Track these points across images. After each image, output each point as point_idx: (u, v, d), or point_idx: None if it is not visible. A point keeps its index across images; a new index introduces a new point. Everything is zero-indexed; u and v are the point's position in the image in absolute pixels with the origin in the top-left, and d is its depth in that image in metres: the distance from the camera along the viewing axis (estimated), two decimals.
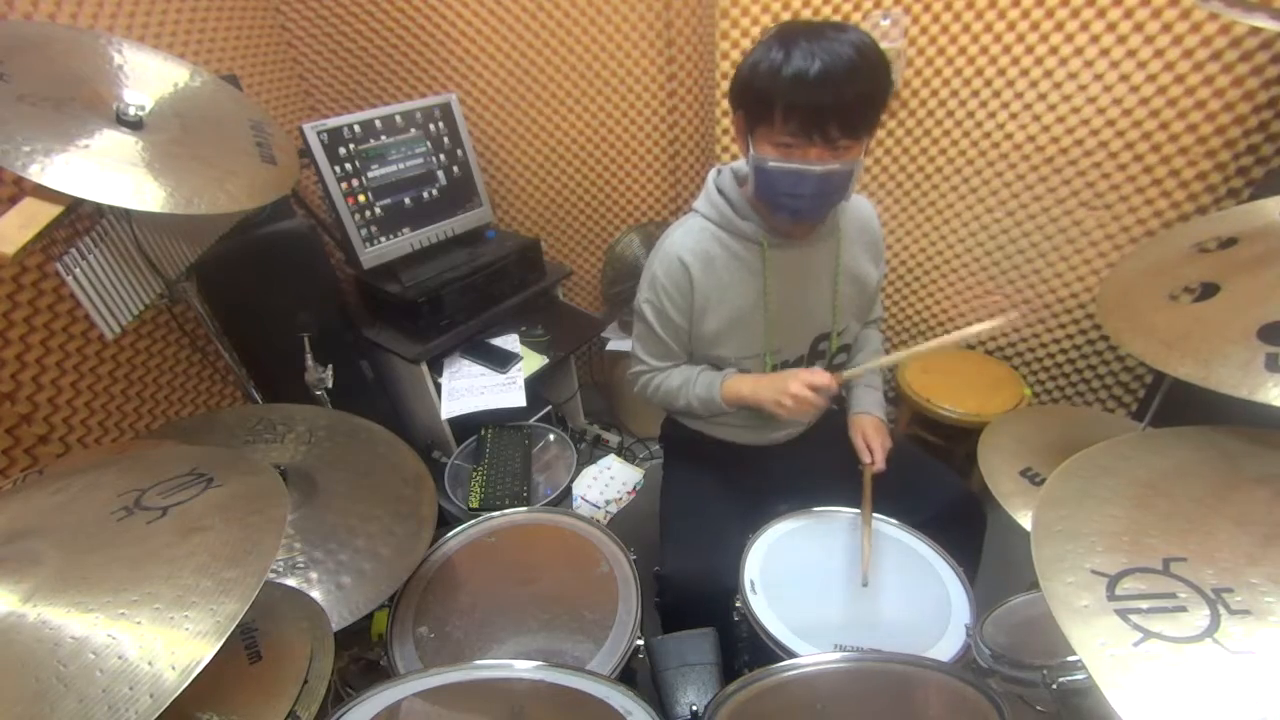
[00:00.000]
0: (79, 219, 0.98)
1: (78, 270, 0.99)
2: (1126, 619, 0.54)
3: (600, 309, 2.29)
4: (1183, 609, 0.54)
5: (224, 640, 0.55)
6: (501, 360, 1.76)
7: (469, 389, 1.70)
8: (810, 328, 1.18)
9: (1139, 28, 1.29)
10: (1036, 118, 1.45)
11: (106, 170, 0.90)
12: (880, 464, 1.14)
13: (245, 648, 0.76)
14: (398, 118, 1.66)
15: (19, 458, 1.22)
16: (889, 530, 1.12)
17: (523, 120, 1.97)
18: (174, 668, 0.53)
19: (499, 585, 1.09)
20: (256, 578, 0.61)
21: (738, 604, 1.01)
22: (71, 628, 0.55)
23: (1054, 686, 0.74)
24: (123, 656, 0.53)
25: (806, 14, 1.51)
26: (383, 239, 1.67)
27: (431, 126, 1.73)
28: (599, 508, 1.64)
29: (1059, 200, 1.52)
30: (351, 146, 1.59)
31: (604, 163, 2.01)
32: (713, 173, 1.14)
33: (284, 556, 0.97)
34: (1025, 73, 1.42)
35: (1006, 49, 1.41)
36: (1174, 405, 1.10)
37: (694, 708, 0.88)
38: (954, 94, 1.51)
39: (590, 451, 2.12)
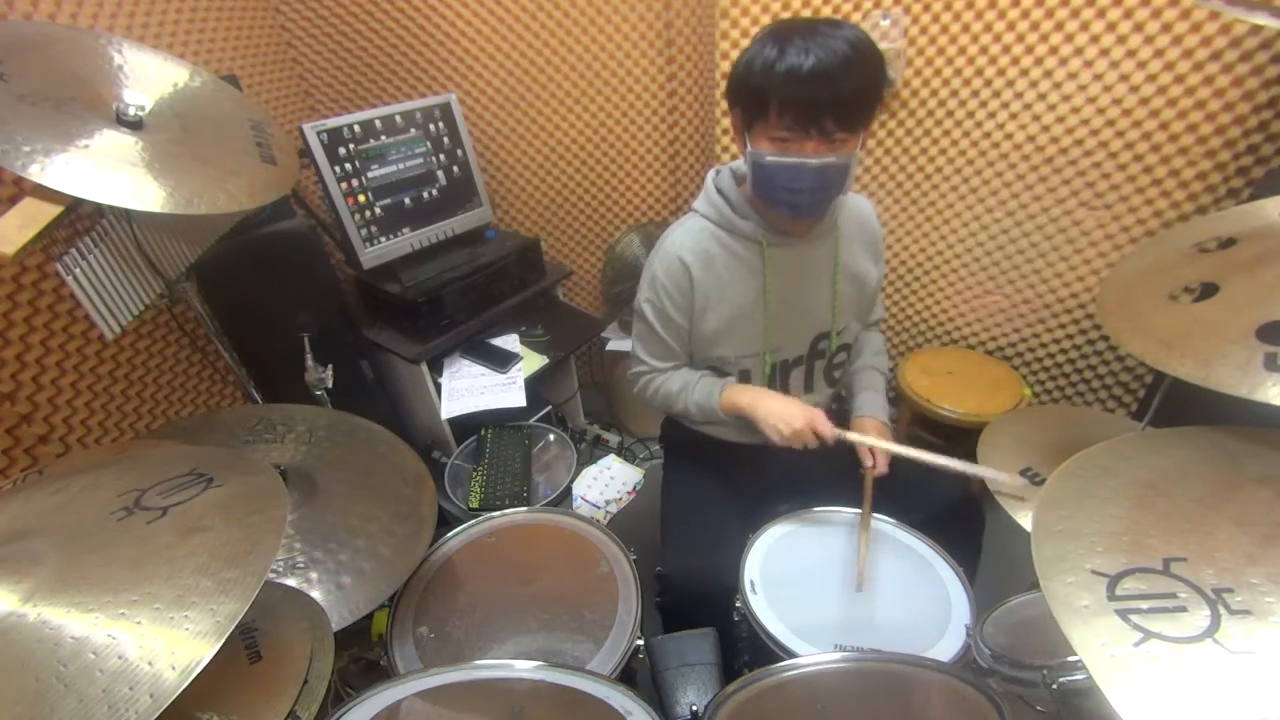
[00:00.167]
0: (79, 219, 0.98)
1: (78, 270, 0.99)
2: (1127, 619, 0.54)
3: (600, 309, 2.29)
4: (1183, 609, 0.54)
5: (224, 640, 0.55)
6: (501, 360, 1.76)
7: (469, 389, 1.70)
8: (810, 326, 1.18)
9: (1139, 28, 1.29)
10: (1036, 118, 1.45)
11: (106, 170, 0.90)
12: (882, 468, 1.13)
13: (245, 648, 0.76)
14: (398, 118, 1.66)
15: (19, 458, 1.22)
16: (889, 530, 1.12)
17: (523, 120, 1.97)
18: (174, 668, 0.53)
19: (499, 585, 1.09)
20: (256, 578, 0.61)
21: (738, 604, 1.01)
22: (71, 628, 0.55)
23: (1054, 686, 0.74)
24: (123, 656, 0.53)
25: (806, 14, 1.51)
26: (383, 239, 1.67)
27: (431, 126, 1.73)
28: (599, 508, 1.64)
29: (1059, 200, 1.52)
30: (351, 146, 1.59)
31: (604, 163, 2.01)
32: (711, 173, 1.15)
33: (284, 556, 0.97)
34: (1025, 73, 1.42)
35: (1006, 49, 1.41)
36: (1174, 405, 1.10)
37: (694, 708, 0.88)
38: (954, 94, 1.51)
39: (590, 451, 2.12)
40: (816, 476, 1.23)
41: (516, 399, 1.66)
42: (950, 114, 1.54)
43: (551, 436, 1.83)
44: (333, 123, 1.55)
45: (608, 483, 1.70)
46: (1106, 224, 1.50)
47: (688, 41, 1.73)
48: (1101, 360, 1.66)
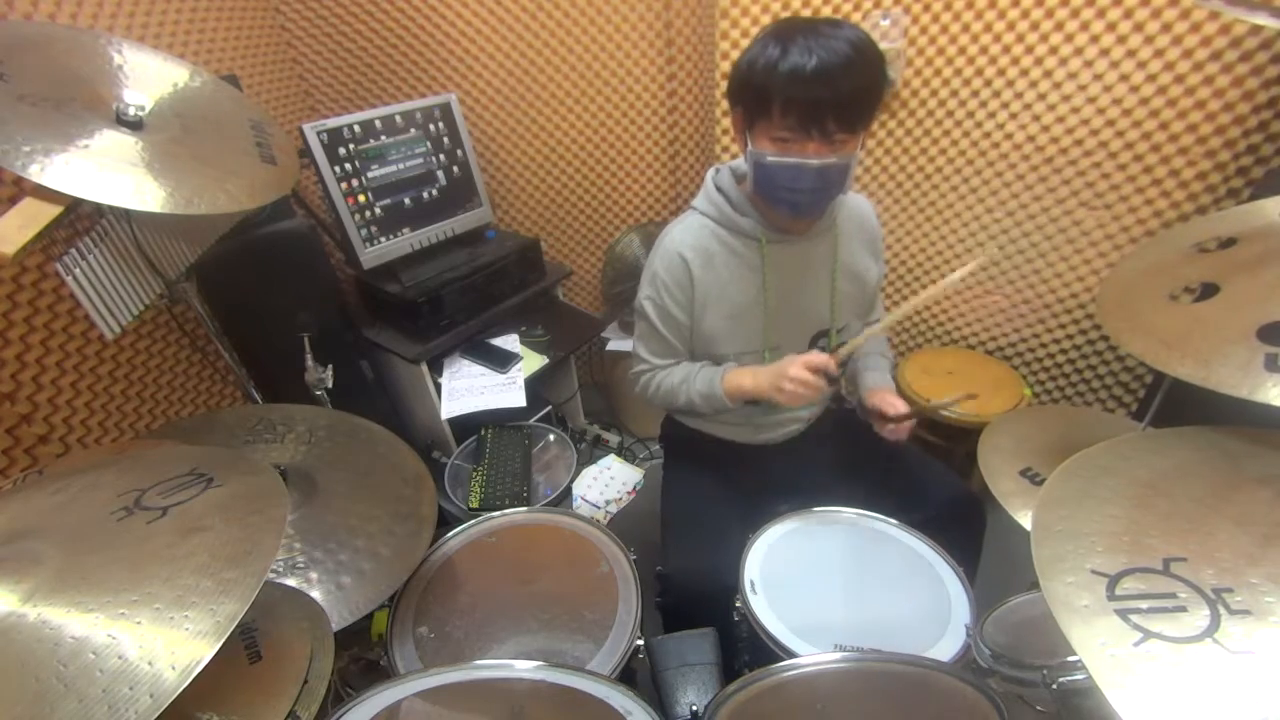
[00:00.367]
0: (79, 219, 0.98)
1: (78, 270, 0.99)
2: (1127, 619, 0.54)
3: (600, 309, 2.29)
4: (1183, 609, 0.54)
5: (224, 640, 0.55)
6: (501, 360, 1.76)
7: (469, 389, 1.70)
8: (809, 324, 1.19)
9: (1139, 28, 1.29)
10: (1036, 118, 1.45)
11: (106, 170, 0.90)
12: (903, 408, 1.11)
13: (245, 648, 0.75)
14: (398, 118, 1.66)
15: (19, 458, 1.22)
16: (890, 530, 1.12)
17: (523, 120, 1.97)
18: (174, 668, 0.53)
19: (499, 585, 1.09)
20: (256, 578, 0.61)
21: (738, 604, 1.01)
22: (71, 628, 0.55)
23: (1054, 686, 0.74)
24: (123, 656, 0.53)
25: (806, 14, 1.51)
26: (383, 239, 1.67)
27: (431, 126, 1.73)
28: (599, 508, 1.64)
29: (1059, 200, 1.52)
30: (351, 146, 1.59)
31: (604, 163, 2.01)
32: (711, 171, 1.15)
33: (284, 556, 0.97)
34: (1025, 73, 1.42)
35: (1006, 49, 1.41)
36: (1174, 405, 1.10)
37: (694, 708, 0.88)
38: (954, 94, 1.51)
39: (590, 451, 2.12)
40: (816, 476, 1.23)
41: (516, 399, 1.66)
42: (950, 114, 1.54)
43: (551, 436, 1.83)
44: (333, 123, 1.55)
45: (608, 483, 1.70)
46: (1106, 224, 1.50)
47: (688, 41, 1.73)
48: (1101, 360, 1.66)
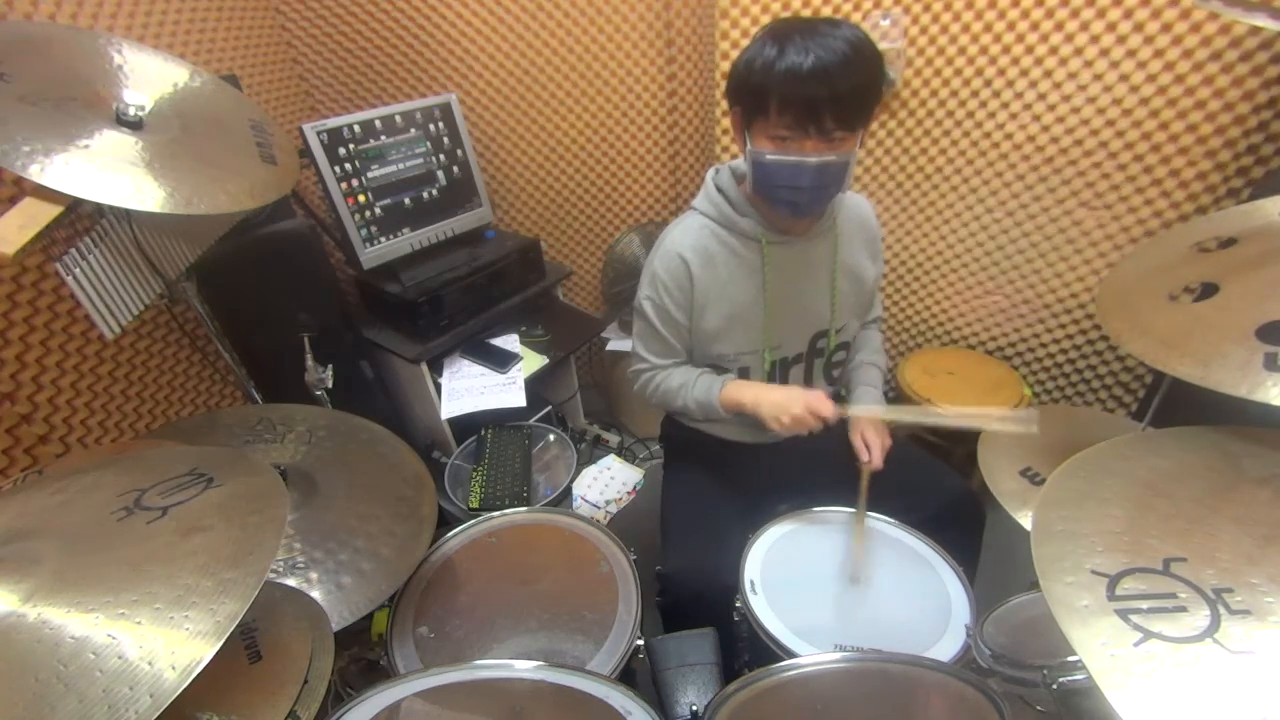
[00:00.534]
0: (79, 219, 0.98)
1: (78, 270, 0.99)
2: (1127, 619, 0.54)
3: (600, 309, 2.29)
4: (1183, 609, 0.54)
5: (224, 640, 0.55)
6: (501, 360, 1.76)
7: (469, 389, 1.70)
8: (809, 324, 1.19)
9: (1139, 28, 1.29)
10: (1036, 118, 1.45)
11: (106, 170, 0.90)
12: (878, 463, 1.14)
13: (245, 648, 0.76)
14: (398, 118, 1.66)
15: (19, 458, 1.22)
16: (889, 530, 1.12)
17: (523, 120, 1.97)
18: (174, 668, 0.53)
19: (499, 585, 1.09)
20: (256, 578, 0.61)
21: (738, 604, 1.01)
22: (71, 628, 0.55)
23: (1054, 686, 0.74)
24: (123, 656, 0.53)
25: (806, 14, 1.51)
26: (383, 239, 1.67)
27: (431, 126, 1.73)
28: (599, 508, 1.64)
29: (1059, 200, 1.52)
30: (351, 146, 1.59)
31: (604, 163, 2.01)
32: (711, 171, 1.15)
33: (284, 556, 0.97)
34: (1025, 73, 1.42)
35: (1006, 49, 1.41)
36: (1174, 405, 1.10)
37: (694, 708, 0.88)
38: (954, 94, 1.51)
39: (590, 451, 2.12)
40: (816, 476, 1.23)
41: (516, 399, 1.66)
42: (950, 114, 1.54)
43: (551, 436, 1.83)
44: (333, 123, 1.55)
45: (608, 483, 1.70)
46: (1106, 224, 1.50)
47: (688, 41, 1.73)
48: (1101, 360, 1.66)
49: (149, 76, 1.10)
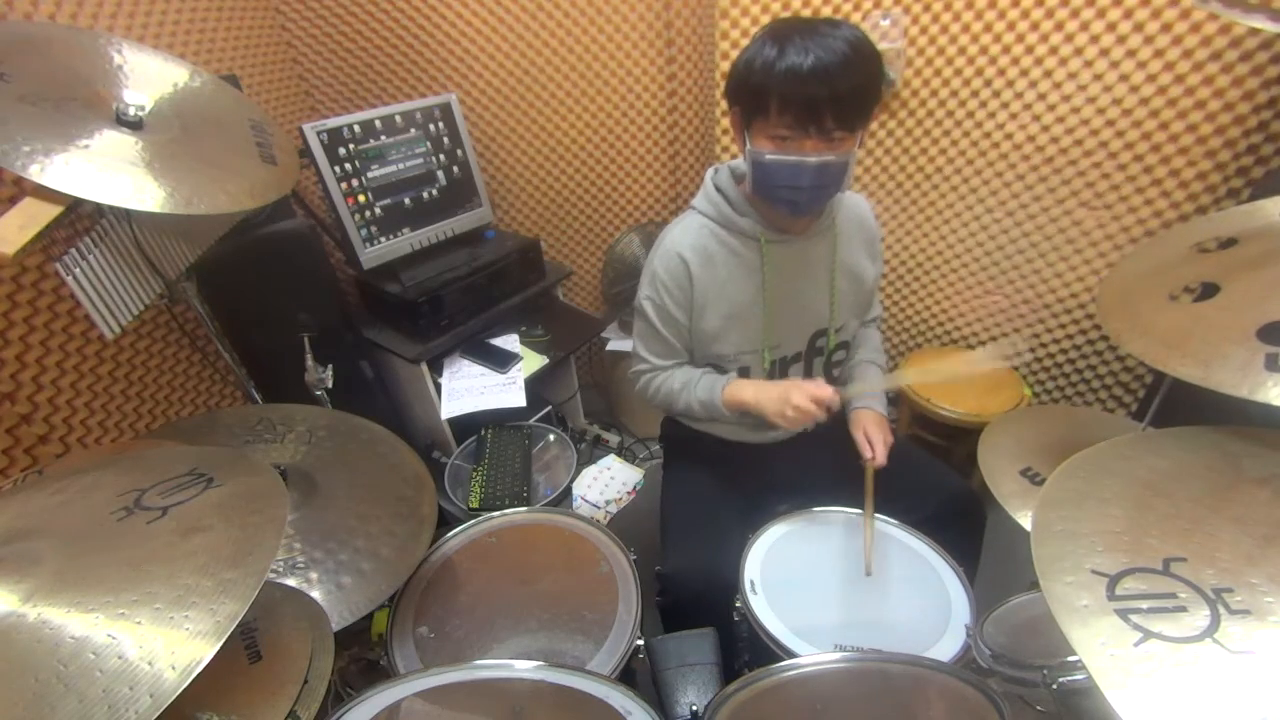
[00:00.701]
0: (79, 219, 0.98)
1: (78, 270, 0.99)
2: (1126, 619, 0.54)
3: (600, 309, 2.29)
4: (1183, 609, 0.54)
5: (224, 640, 0.55)
6: (501, 360, 1.76)
7: (469, 389, 1.70)
8: (808, 323, 1.19)
9: (1139, 28, 1.29)
10: (1036, 118, 1.45)
11: (106, 170, 0.90)
12: (882, 459, 1.14)
13: (245, 648, 0.76)
14: (398, 118, 1.66)
15: (19, 458, 1.22)
16: (889, 530, 1.12)
17: (523, 120, 1.97)
18: (174, 668, 0.53)
19: (499, 585, 1.09)
20: (256, 578, 0.61)
21: (738, 604, 1.01)
22: (71, 628, 0.55)
23: (1054, 686, 0.74)
24: (123, 656, 0.53)
25: (806, 14, 1.51)
26: (383, 239, 1.67)
27: (431, 126, 1.73)
28: (599, 508, 1.64)
29: (1059, 200, 1.52)
30: (351, 147, 1.59)
31: (604, 163, 2.01)
32: (710, 171, 1.15)
33: (284, 556, 0.97)
34: (1025, 73, 1.42)
35: (1006, 49, 1.41)
36: (1174, 405, 1.10)
37: (694, 708, 0.88)
38: (954, 94, 1.51)
39: (590, 451, 2.12)
40: (816, 476, 1.23)
41: (516, 399, 1.66)
42: (950, 114, 1.54)
43: (551, 436, 1.83)
44: (333, 123, 1.55)
45: (608, 483, 1.70)
46: (1106, 224, 1.50)
47: (688, 41, 1.73)
48: (1101, 360, 1.66)
49: (149, 76, 1.10)
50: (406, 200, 1.71)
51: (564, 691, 0.75)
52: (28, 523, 0.67)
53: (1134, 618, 0.54)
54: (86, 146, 0.91)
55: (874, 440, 1.16)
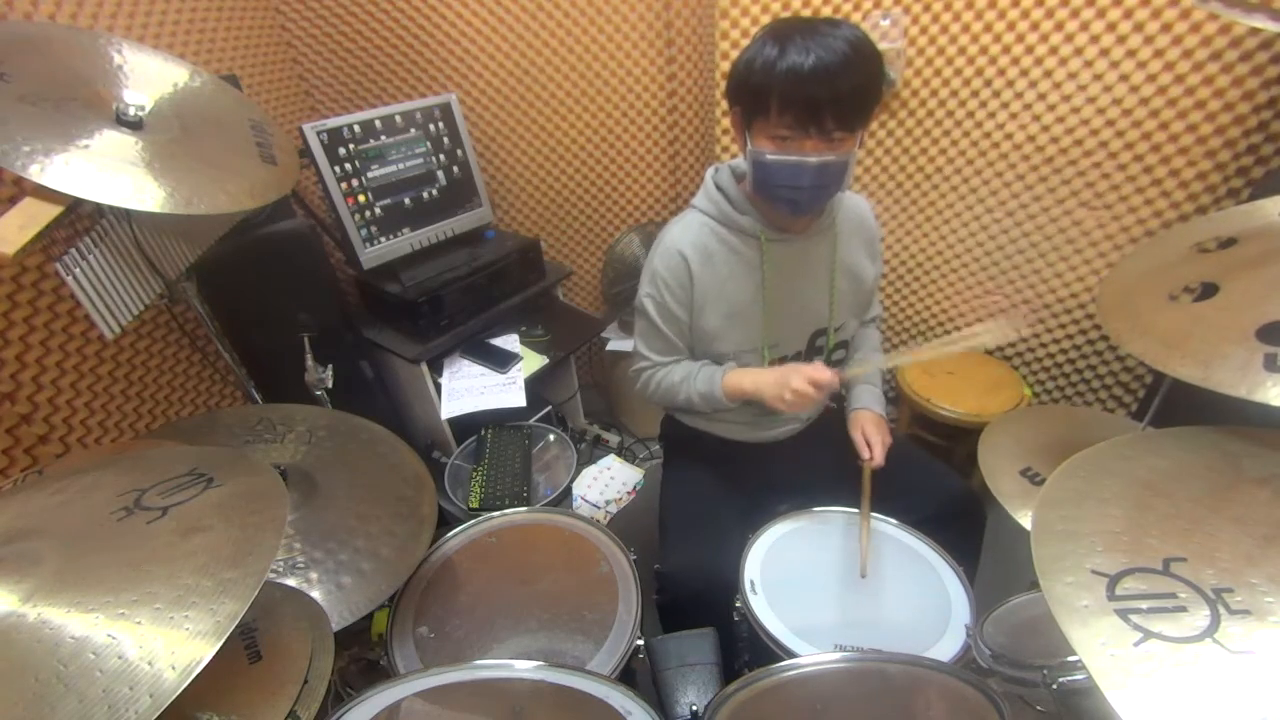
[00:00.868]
0: (79, 219, 0.98)
1: (78, 270, 0.99)
2: (1126, 619, 0.54)
3: (600, 309, 2.29)
4: (1183, 609, 0.54)
5: (224, 640, 0.55)
6: (501, 360, 1.76)
7: (469, 389, 1.70)
8: (808, 322, 1.19)
9: (1139, 28, 1.29)
10: (1036, 118, 1.45)
11: (106, 170, 0.90)
12: (879, 460, 1.14)
13: (245, 648, 0.76)
14: (398, 118, 1.66)
15: (19, 458, 1.22)
16: (889, 530, 1.12)
17: (523, 120, 1.97)
18: (174, 668, 0.53)
19: (499, 585, 1.09)
20: (256, 578, 0.61)
21: (738, 604, 1.01)
22: (71, 628, 0.55)
23: (1054, 686, 0.74)
24: (123, 656, 0.53)
25: (806, 13, 1.51)
26: (383, 239, 1.67)
27: (431, 126, 1.73)
28: (599, 508, 1.64)
29: (1059, 200, 1.52)
30: (351, 147, 1.59)
31: (604, 163, 2.01)
32: (711, 170, 1.15)
33: (284, 556, 0.97)
34: (1025, 73, 1.42)
35: (1006, 49, 1.41)
36: (1174, 405, 1.10)
37: (694, 708, 0.88)
38: (954, 94, 1.51)
39: (590, 451, 2.12)
40: (816, 476, 1.23)
41: (516, 399, 1.66)
42: (950, 114, 1.54)
43: (551, 436, 1.83)
44: (333, 123, 1.55)
45: (608, 483, 1.70)
46: (1106, 224, 1.50)
47: (688, 41, 1.73)
48: (1101, 360, 1.66)
49: (149, 76, 1.10)
50: (406, 200, 1.71)
51: (564, 691, 0.75)
52: (28, 523, 0.66)
53: (1134, 618, 0.54)
54: (86, 146, 0.91)
55: (872, 441, 1.16)
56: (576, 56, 1.83)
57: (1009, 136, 1.50)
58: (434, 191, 1.76)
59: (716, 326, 1.14)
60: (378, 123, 1.63)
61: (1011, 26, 1.39)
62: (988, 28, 1.41)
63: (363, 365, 1.78)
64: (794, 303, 1.15)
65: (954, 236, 1.70)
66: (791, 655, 0.91)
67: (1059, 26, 1.35)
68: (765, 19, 1.51)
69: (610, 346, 2.09)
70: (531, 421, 1.85)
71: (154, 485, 0.72)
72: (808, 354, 1.22)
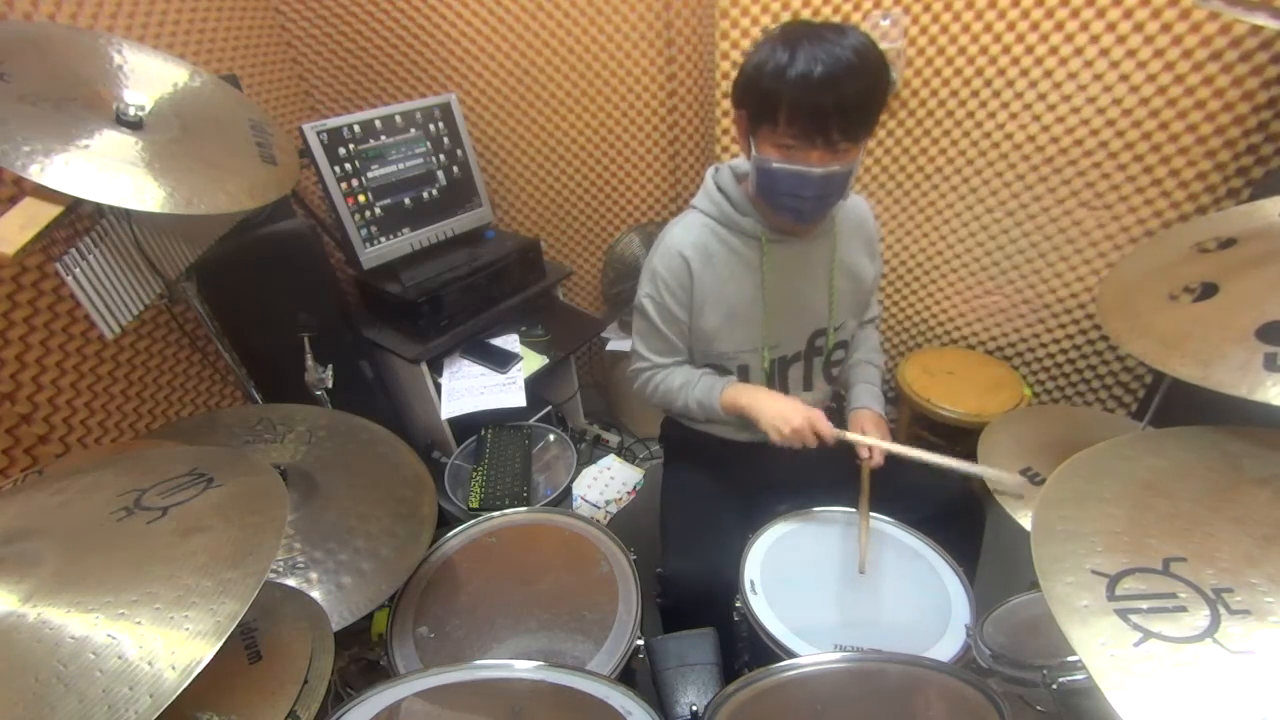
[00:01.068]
0: (79, 219, 0.98)
1: (78, 270, 0.99)
2: (1126, 619, 0.54)
3: (600, 309, 2.29)
4: (1183, 609, 0.54)
5: (224, 640, 0.55)
6: (501, 360, 1.76)
7: (469, 389, 1.70)
8: (807, 323, 1.19)
9: (1139, 28, 1.29)
10: (1036, 118, 1.45)
11: (106, 170, 0.90)
12: (878, 460, 1.14)
13: (245, 648, 0.76)
14: (398, 118, 1.66)
15: (19, 458, 1.22)
16: (889, 530, 1.12)
17: (523, 120, 1.97)
18: (174, 668, 0.53)
19: (499, 585, 1.09)
20: (256, 578, 0.61)
21: (738, 604, 1.01)
22: (71, 628, 0.55)
23: (1054, 686, 0.74)
24: (123, 656, 0.53)
25: (806, 14, 1.51)
26: (383, 239, 1.67)
27: (431, 126, 1.73)
28: (599, 508, 1.64)
29: (1059, 200, 1.52)
30: (351, 147, 1.59)
31: (604, 163, 2.01)
32: (711, 170, 1.15)
33: (284, 556, 0.97)
34: (1025, 73, 1.42)
35: (1006, 49, 1.41)
36: (1174, 405, 1.10)
37: (694, 708, 0.88)
38: (954, 94, 1.51)
39: (590, 451, 2.12)
40: (816, 476, 1.23)
41: (516, 399, 1.66)
42: (950, 114, 1.54)
43: (551, 436, 1.83)
44: (333, 123, 1.55)
45: (608, 483, 1.70)
46: (1106, 224, 1.50)
47: (688, 41, 1.73)
48: (1101, 360, 1.66)
49: (149, 76, 1.10)
50: (406, 200, 1.71)
51: (564, 691, 0.75)
52: (28, 523, 0.67)
53: (1134, 618, 0.54)
54: (86, 146, 0.91)
55: (869, 441, 1.15)
56: (576, 56, 1.83)
57: (1009, 136, 1.50)
58: (434, 191, 1.76)
59: (716, 327, 1.14)
60: (378, 123, 1.63)
61: (1011, 26, 1.39)
62: (988, 28, 1.41)
63: (363, 365, 1.78)
64: (794, 303, 1.15)
65: (954, 236, 1.70)
66: (791, 655, 0.91)
67: (1059, 26, 1.35)
68: (765, 19, 1.51)
69: (610, 346, 2.09)
70: (531, 421, 1.85)
71: (154, 485, 0.72)
72: (807, 354, 1.22)
